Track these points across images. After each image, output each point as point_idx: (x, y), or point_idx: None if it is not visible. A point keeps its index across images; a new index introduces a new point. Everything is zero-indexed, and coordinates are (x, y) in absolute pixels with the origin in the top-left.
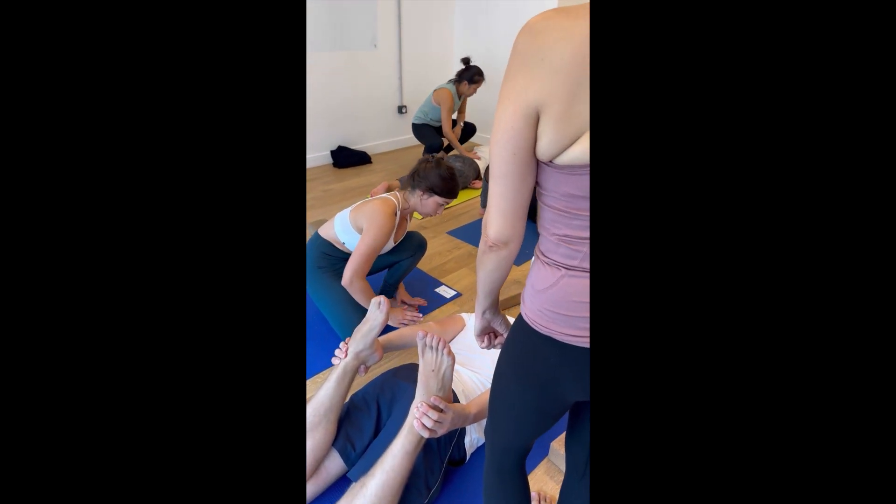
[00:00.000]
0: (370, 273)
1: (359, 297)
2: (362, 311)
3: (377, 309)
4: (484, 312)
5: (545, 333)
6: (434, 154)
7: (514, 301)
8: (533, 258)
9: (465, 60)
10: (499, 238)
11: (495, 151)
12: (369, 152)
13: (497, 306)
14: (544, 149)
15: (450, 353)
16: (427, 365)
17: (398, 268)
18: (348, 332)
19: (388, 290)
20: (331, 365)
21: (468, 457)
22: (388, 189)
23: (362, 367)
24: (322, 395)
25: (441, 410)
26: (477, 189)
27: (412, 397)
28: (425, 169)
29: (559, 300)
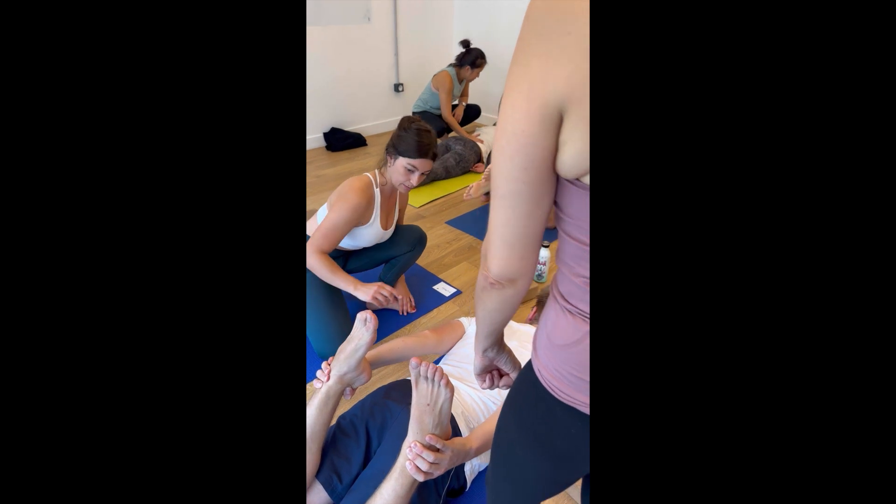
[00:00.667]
0: (365, 268)
1: (320, 274)
2: (344, 324)
3: (363, 326)
4: (485, 351)
5: (567, 402)
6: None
7: (528, 297)
8: (549, 298)
9: (465, 43)
10: (503, 275)
11: (499, 163)
12: (364, 134)
13: (501, 343)
14: (568, 162)
15: (448, 384)
16: (421, 398)
17: (395, 263)
18: (326, 347)
19: None
20: (310, 379)
21: (469, 485)
22: None
23: (348, 389)
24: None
25: (437, 450)
26: (479, 173)
27: (405, 422)
28: (394, 134)
29: (586, 363)
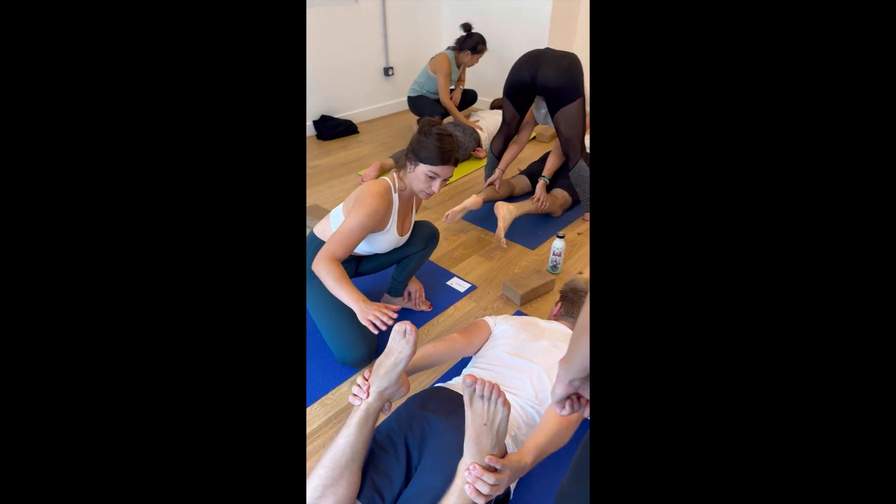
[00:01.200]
0: (377, 270)
1: (326, 283)
2: (366, 329)
3: (402, 339)
4: (572, 381)
5: None
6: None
7: (544, 290)
8: None
9: (466, 27)
10: None
11: None
12: (355, 121)
13: (588, 373)
14: None
15: (506, 402)
16: (477, 418)
17: (408, 262)
18: (348, 354)
19: (397, 288)
20: (332, 387)
21: (512, 493)
22: (382, 169)
23: (387, 404)
24: (342, 444)
25: (497, 470)
26: (481, 160)
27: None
28: (413, 137)
29: None
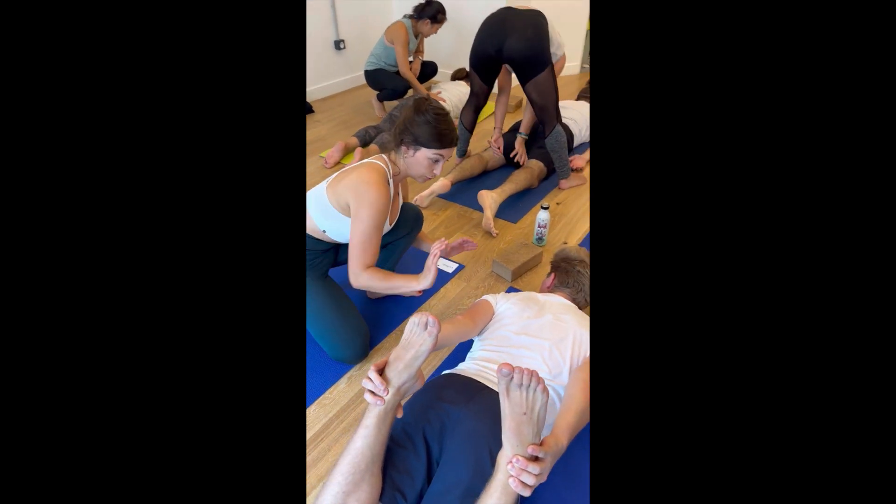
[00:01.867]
0: None
1: (378, 289)
2: (357, 324)
3: (423, 331)
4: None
5: None
6: (410, 97)
7: (533, 263)
8: None
9: None
10: None
11: None
12: (308, 99)
13: None
14: None
15: (545, 388)
16: (516, 408)
17: (394, 248)
18: (343, 352)
19: None
20: (328, 386)
21: None
22: (346, 149)
23: (403, 399)
24: (360, 446)
25: (540, 459)
26: None
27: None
28: (405, 117)
29: None
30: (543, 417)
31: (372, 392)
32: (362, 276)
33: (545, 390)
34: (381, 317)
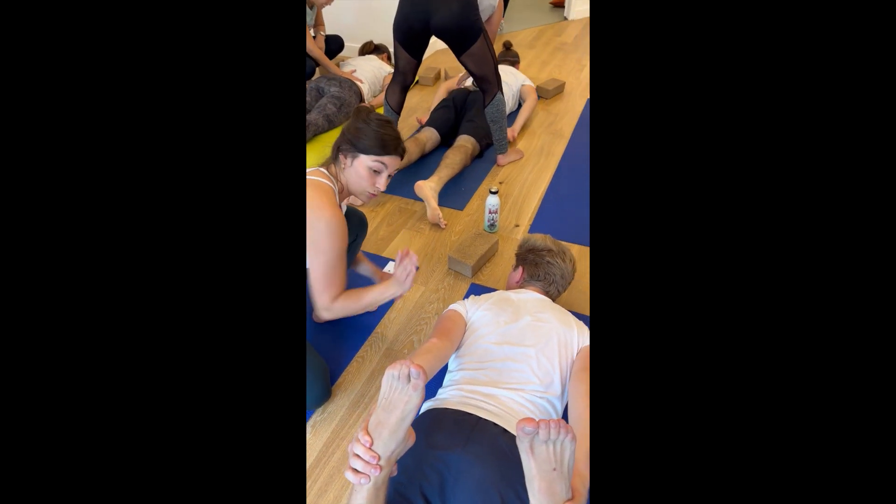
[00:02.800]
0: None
1: (354, 313)
2: (317, 364)
3: (406, 386)
4: None
5: None
6: (320, 77)
7: (491, 254)
8: None
9: None
10: None
11: None
12: None
13: None
14: None
15: (574, 437)
16: (544, 465)
17: None
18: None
19: None
20: None
21: None
22: None
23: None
24: None
25: None
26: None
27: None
28: (346, 125)
29: None
30: (572, 466)
31: (356, 470)
32: (334, 307)
33: (574, 438)
34: (336, 344)
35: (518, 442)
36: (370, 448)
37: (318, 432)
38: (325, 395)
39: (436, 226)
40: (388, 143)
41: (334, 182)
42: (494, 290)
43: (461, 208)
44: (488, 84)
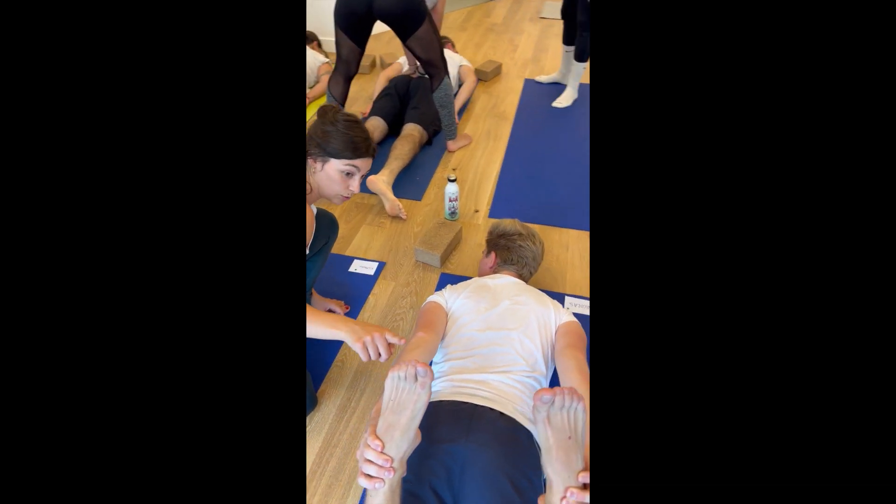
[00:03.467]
0: None
1: (311, 330)
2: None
3: (413, 384)
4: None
5: None
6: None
7: (456, 241)
8: None
9: None
10: None
11: None
12: None
13: None
14: None
15: (582, 402)
16: (560, 434)
17: (310, 267)
18: None
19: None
20: None
21: None
22: None
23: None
24: None
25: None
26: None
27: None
28: (312, 128)
29: None
30: (584, 434)
31: (369, 476)
32: None
33: (583, 402)
34: (312, 351)
35: (535, 413)
36: (382, 452)
37: (310, 442)
38: (313, 404)
39: (396, 218)
40: (360, 145)
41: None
42: (464, 277)
43: (419, 198)
44: (435, 69)
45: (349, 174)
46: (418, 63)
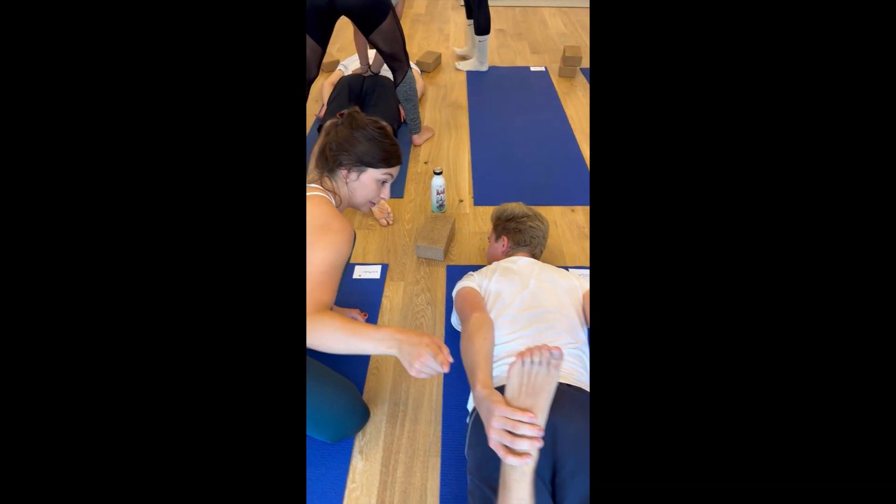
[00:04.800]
0: None
1: (331, 340)
2: (339, 381)
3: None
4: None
5: None
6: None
7: (452, 233)
8: None
9: None
10: None
11: None
12: None
13: None
14: None
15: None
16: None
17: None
18: (347, 422)
19: None
20: (341, 490)
21: None
22: None
23: None
24: None
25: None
26: None
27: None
28: (338, 135)
29: None
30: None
31: (519, 454)
32: (316, 321)
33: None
34: (343, 361)
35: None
36: (534, 426)
37: (370, 456)
38: (367, 413)
39: (372, 217)
40: (394, 153)
41: (331, 196)
42: (469, 266)
43: (401, 196)
44: (398, 62)
45: (384, 182)
46: (370, 61)
